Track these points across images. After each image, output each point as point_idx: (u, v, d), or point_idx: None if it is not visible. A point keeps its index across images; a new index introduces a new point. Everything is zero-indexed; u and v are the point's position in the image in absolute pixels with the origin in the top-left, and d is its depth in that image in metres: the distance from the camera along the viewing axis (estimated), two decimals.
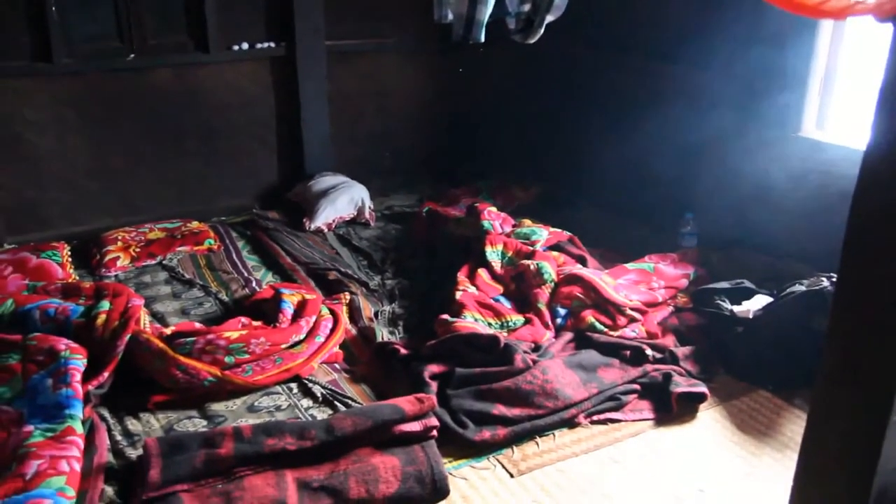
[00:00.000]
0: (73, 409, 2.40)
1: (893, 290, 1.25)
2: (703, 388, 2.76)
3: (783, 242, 3.68)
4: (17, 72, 3.87)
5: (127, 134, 4.23)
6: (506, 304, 3.28)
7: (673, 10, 4.16)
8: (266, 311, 3.19)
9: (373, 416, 2.39)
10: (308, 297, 3.25)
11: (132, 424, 2.60)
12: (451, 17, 3.37)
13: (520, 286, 3.36)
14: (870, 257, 1.29)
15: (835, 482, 1.45)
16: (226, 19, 4.30)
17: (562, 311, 3.20)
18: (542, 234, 3.72)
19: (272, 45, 4.47)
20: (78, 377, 2.53)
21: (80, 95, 4.06)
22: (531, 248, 3.54)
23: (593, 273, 3.30)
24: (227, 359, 2.77)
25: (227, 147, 4.54)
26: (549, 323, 3.15)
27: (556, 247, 3.69)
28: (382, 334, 3.16)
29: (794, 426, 2.65)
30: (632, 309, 3.15)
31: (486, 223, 3.83)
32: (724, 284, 3.28)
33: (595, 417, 2.67)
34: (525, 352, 2.83)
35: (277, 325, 3.01)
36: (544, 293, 3.25)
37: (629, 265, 3.56)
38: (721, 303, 3.18)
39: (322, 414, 2.67)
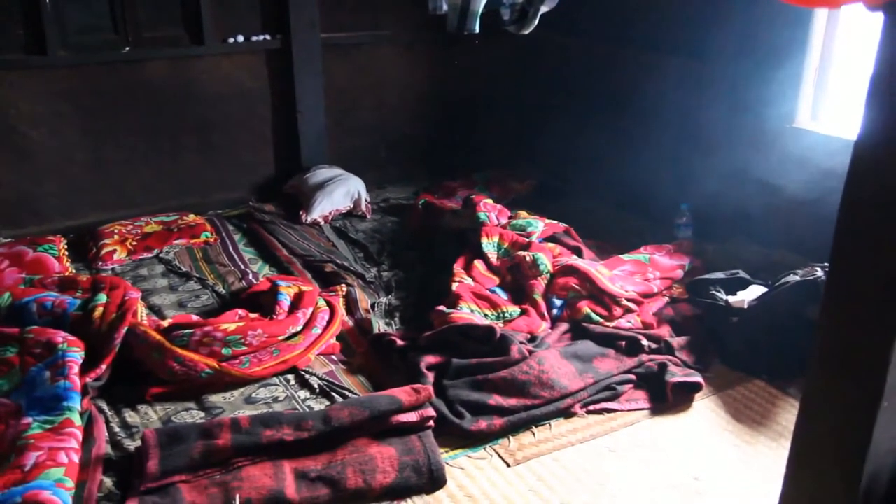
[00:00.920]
0: (70, 401, 2.41)
1: (884, 278, 1.26)
2: (698, 378, 2.77)
3: (778, 233, 3.70)
4: (12, 64, 3.86)
5: (122, 127, 4.23)
6: (502, 295, 3.29)
7: (666, 1, 4.16)
8: (263, 303, 3.20)
9: (370, 407, 2.41)
10: (305, 288, 3.26)
11: (130, 416, 2.61)
12: (445, 7, 3.37)
13: (516, 277, 3.37)
14: (861, 245, 1.30)
15: (827, 468, 1.46)
16: (221, 12, 4.30)
17: (558, 302, 3.21)
18: (538, 226, 3.73)
19: (268, 37, 4.46)
20: (76, 370, 2.53)
21: (75, 88, 4.05)
22: (527, 240, 3.55)
23: (589, 264, 3.31)
24: (224, 351, 2.78)
25: (224, 140, 4.54)
26: (545, 314, 3.16)
27: (552, 238, 3.70)
28: (379, 326, 3.18)
29: (789, 415, 2.66)
30: (627, 299, 3.17)
31: (482, 215, 3.83)
32: (720, 275, 3.30)
33: (591, 407, 2.69)
34: (521, 342, 2.85)
35: (274, 317, 3.02)
36: (540, 284, 3.26)
37: (625, 256, 3.57)
38: (716, 293, 3.19)
39: (319, 405, 2.68)
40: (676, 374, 2.77)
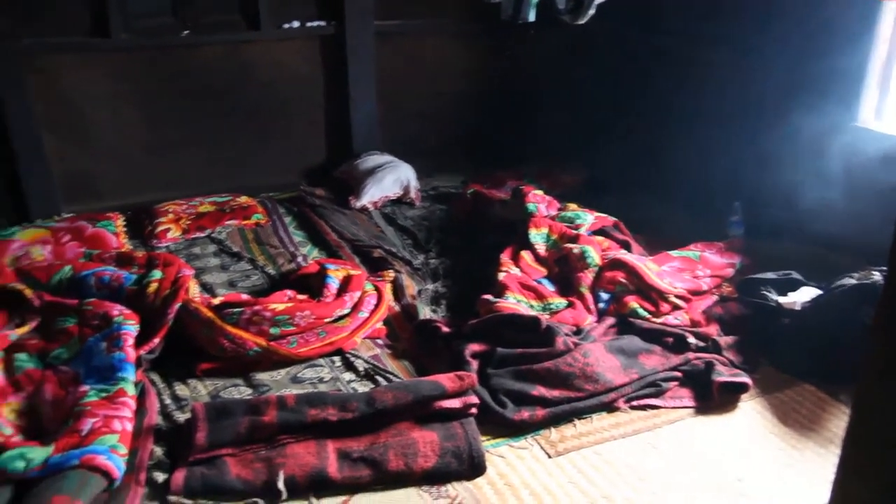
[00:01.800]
0: (125, 371, 2.49)
1: None
2: (745, 379, 2.72)
3: (834, 234, 3.59)
4: (76, 46, 3.98)
5: (178, 109, 4.32)
6: (548, 287, 3.28)
7: None
8: (311, 285, 3.25)
9: (413, 391, 2.43)
10: (353, 273, 3.30)
11: (181, 390, 2.68)
12: None
13: (563, 269, 3.36)
14: None
15: (877, 478, 1.43)
16: None
17: (604, 296, 3.19)
18: (588, 219, 3.70)
19: (322, 23, 4.50)
20: (130, 342, 2.62)
21: (134, 71, 4.15)
22: (576, 232, 3.53)
23: (637, 259, 3.28)
24: (272, 330, 2.83)
25: (276, 124, 4.60)
26: (592, 307, 3.14)
27: (600, 231, 3.67)
28: (425, 312, 3.20)
29: (839, 421, 2.60)
30: (675, 296, 3.13)
31: (531, 206, 3.82)
32: (771, 275, 3.23)
33: (634, 403, 2.67)
34: (566, 334, 2.84)
35: (322, 299, 3.06)
36: (587, 277, 3.24)
37: (674, 252, 3.53)
38: (767, 293, 3.13)
39: (363, 388, 2.71)
40: (723, 374, 2.73)
